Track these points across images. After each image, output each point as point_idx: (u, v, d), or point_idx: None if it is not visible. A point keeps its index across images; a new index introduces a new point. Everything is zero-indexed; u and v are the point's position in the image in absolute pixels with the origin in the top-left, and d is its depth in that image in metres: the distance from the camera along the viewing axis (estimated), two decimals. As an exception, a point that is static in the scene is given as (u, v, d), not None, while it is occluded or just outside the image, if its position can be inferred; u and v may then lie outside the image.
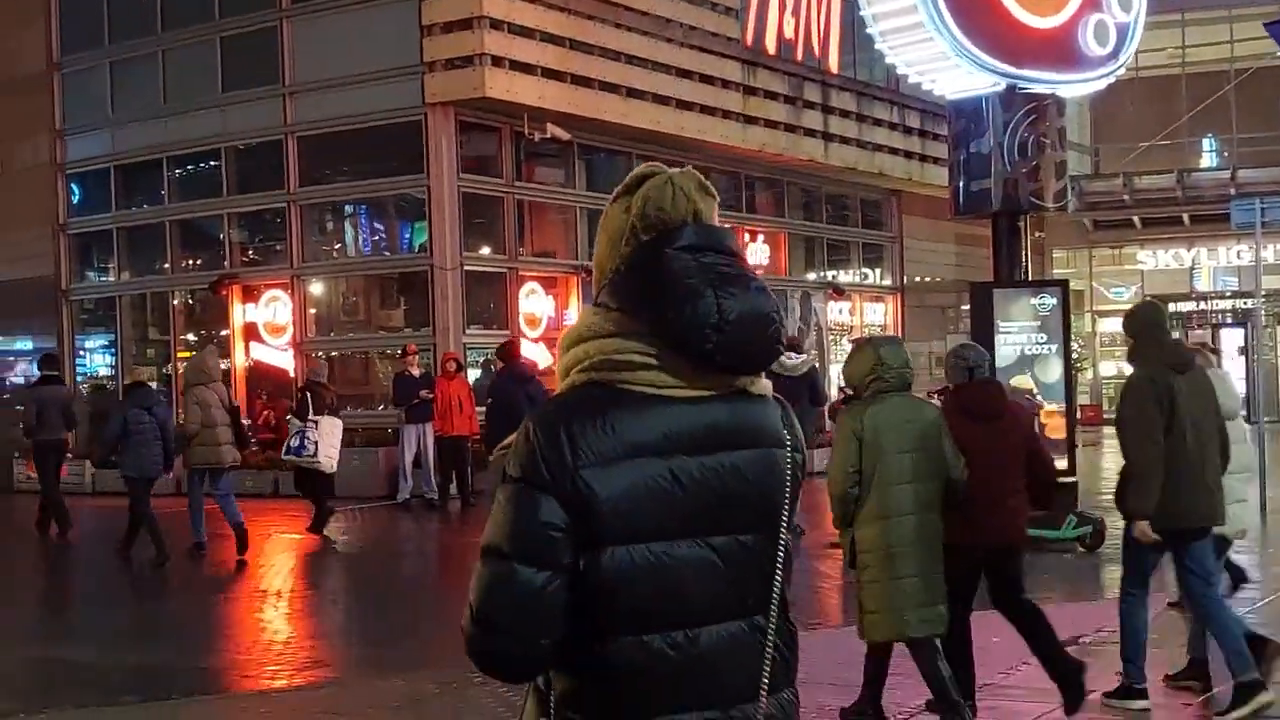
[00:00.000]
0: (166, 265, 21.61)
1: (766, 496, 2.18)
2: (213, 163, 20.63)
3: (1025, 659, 7.72)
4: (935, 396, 14.53)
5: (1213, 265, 32.92)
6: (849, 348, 24.08)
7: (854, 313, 26.61)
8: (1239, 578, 9.24)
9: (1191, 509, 6.44)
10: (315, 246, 20.41)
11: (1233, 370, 21.41)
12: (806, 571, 10.86)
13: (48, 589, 13.21)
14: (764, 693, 2.15)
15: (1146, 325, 6.65)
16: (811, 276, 25.59)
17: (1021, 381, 12.28)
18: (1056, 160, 13.13)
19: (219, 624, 10.46)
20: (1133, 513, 6.47)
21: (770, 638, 2.17)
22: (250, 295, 20.24)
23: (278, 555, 14.11)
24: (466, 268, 18.62)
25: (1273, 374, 29.47)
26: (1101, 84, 13.50)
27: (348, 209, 20.52)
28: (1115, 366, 32.16)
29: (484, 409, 16.11)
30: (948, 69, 12.80)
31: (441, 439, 16.77)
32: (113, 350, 22.36)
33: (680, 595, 2.10)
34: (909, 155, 25.27)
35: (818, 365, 16.03)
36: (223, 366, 20.18)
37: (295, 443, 14.49)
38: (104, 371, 22.70)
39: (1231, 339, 29.92)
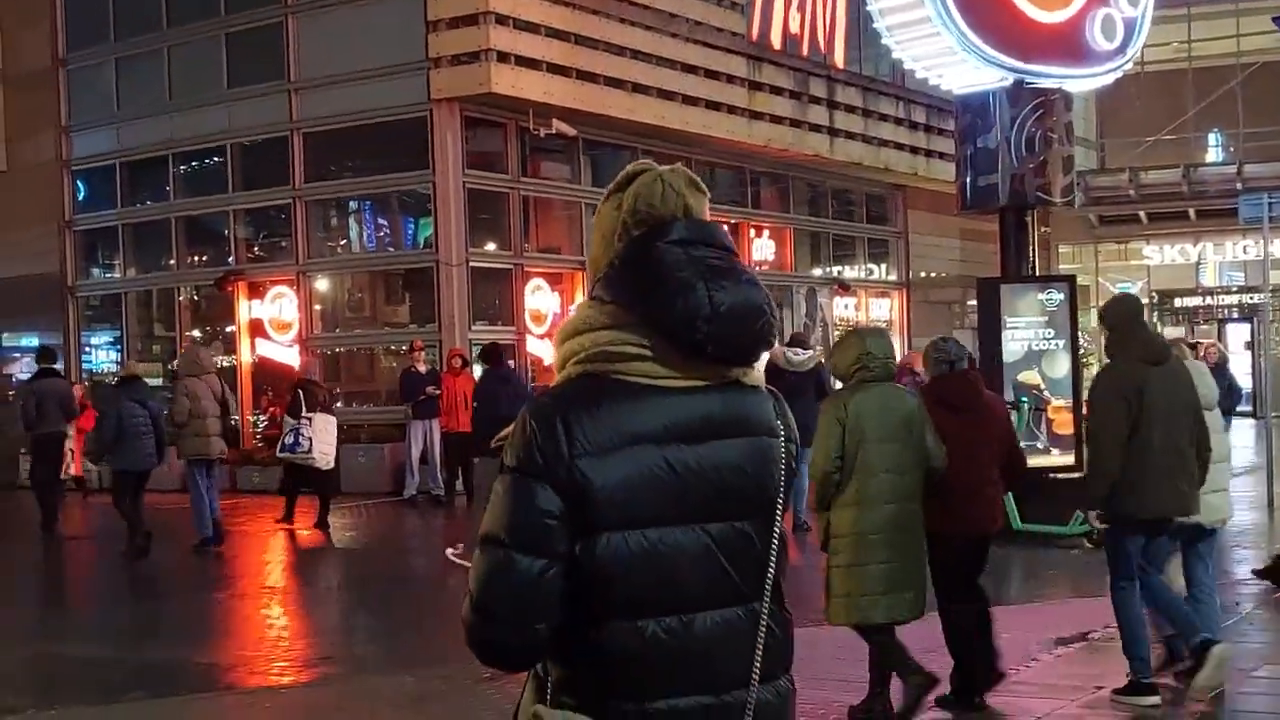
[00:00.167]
0: (172, 261, 21.62)
1: (761, 484, 2.21)
2: (218, 159, 20.63)
3: (1035, 655, 7.74)
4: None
5: (1218, 260, 32.87)
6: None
7: (859, 308, 26.57)
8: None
9: (1160, 500, 6.49)
10: (321, 243, 20.41)
11: (1238, 365, 21.44)
12: (811, 568, 10.84)
13: (54, 585, 13.22)
14: (755, 678, 2.17)
15: (1123, 317, 6.73)
16: (817, 272, 25.56)
17: (1029, 377, 12.27)
18: (1064, 155, 13.10)
19: (225, 620, 10.46)
20: (1089, 502, 6.63)
21: (764, 624, 2.19)
22: (256, 291, 20.24)
23: (283, 551, 14.12)
24: (472, 264, 18.61)
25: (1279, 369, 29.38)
26: (1109, 79, 13.48)
27: (353, 205, 20.51)
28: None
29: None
30: (955, 64, 12.78)
31: (448, 435, 16.77)
32: (118, 347, 22.36)
33: (675, 581, 2.13)
34: (914, 150, 25.23)
35: (824, 361, 15.95)
36: (227, 362, 20.39)
37: (290, 440, 14.56)
38: (108, 368, 22.70)
39: (1238, 334, 29.93)
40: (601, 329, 2.17)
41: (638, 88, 19.46)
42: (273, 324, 19.99)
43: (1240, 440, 20.45)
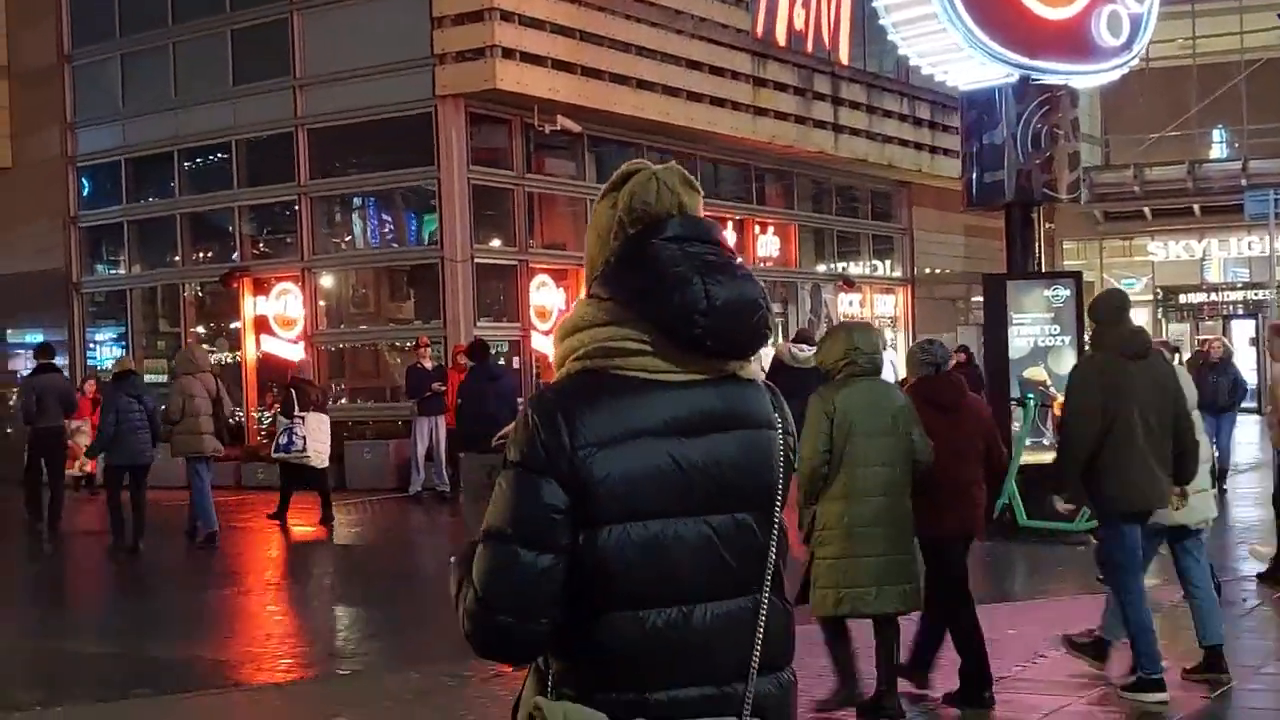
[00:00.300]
0: (177, 258, 21.62)
1: (760, 476, 2.23)
2: (224, 155, 20.64)
3: (1042, 652, 7.74)
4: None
5: (1223, 257, 32.85)
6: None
7: (864, 304, 26.55)
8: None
9: (1136, 494, 6.56)
10: (326, 239, 20.41)
11: (1243, 361, 21.38)
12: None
13: (59, 582, 13.23)
14: (754, 668, 2.18)
15: (1109, 311, 6.83)
16: (821, 268, 25.56)
17: (1035, 373, 12.25)
18: (1070, 151, 13.10)
19: (231, 617, 10.46)
20: (1053, 488, 6.82)
21: (764, 615, 2.21)
22: (261, 288, 20.25)
23: (287, 548, 14.14)
24: (477, 260, 18.61)
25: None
26: (1115, 75, 13.46)
27: (358, 201, 20.51)
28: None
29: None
30: (961, 60, 12.77)
31: (453, 431, 16.76)
32: (123, 343, 22.37)
33: (677, 573, 2.15)
34: (919, 147, 25.22)
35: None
36: (231, 359, 20.42)
37: (284, 440, 14.63)
38: (110, 365, 22.71)
39: (1242, 330, 29.88)
40: (600, 325, 2.19)
41: (642, 84, 19.46)
42: (278, 320, 20.00)
43: (1245, 436, 20.46)
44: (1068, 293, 12.59)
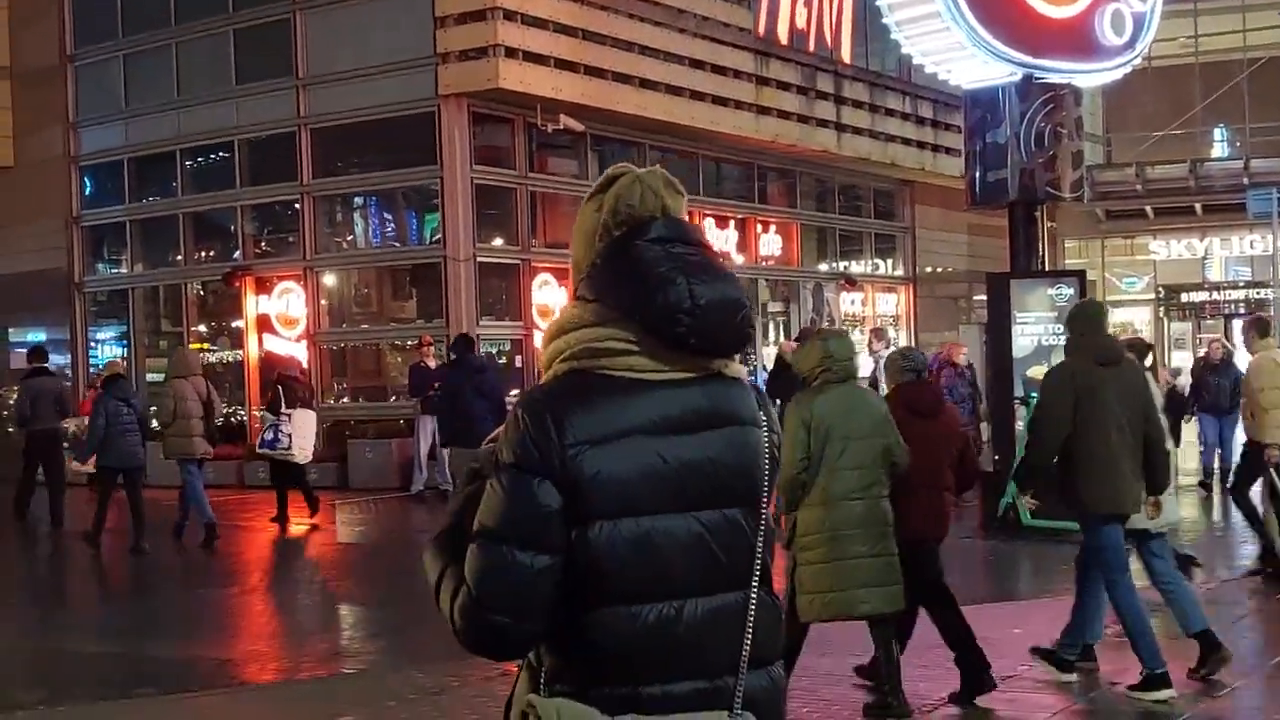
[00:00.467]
0: (179, 257, 21.62)
1: (747, 473, 2.26)
2: (226, 155, 20.64)
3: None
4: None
5: (1225, 255, 32.80)
6: (861, 338, 23.99)
7: (866, 303, 26.55)
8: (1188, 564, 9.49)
9: (1112, 497, 6.71)
10: (328, 238, 20.41)
11: (1245, 362, 21.36)
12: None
13: (62, 582, 13.24)
14: (744, 663, 2.21)
15: (1086, 320, 7.03)
16: (824, 267, 25.55)
17: (1038, 372, 12.22)
18: (1073, 150, 13.11)
19: (234, 616, 10.47)
20: (1020, 487, 7.05)
21: (753, 609, 2.23)
22: (263, 287, 20.25)
23: (290, 547, 14.14)
24: (479, 259, 18.61)
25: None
26: (1119, 74, 13.48)
27: (360, 201, 20.51)
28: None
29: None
30: (964, 59, 12.78)
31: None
32: (125, 342, 22.38)
33: (669, 569, 2.17)
34: (921, 146, 25.21)
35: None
36: (233, 358, 20.43)
37: (269, 436, 14.71)
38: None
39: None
40: (587, 326, 2.22)
41: (645, 83, 19.45)
42: (280, 319, 20.00)
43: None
44: (1071, 291, 12.58)
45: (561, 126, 18.59)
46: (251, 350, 20.35)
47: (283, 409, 14.62)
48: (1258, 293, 31.05)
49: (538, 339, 19.26)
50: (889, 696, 6.46)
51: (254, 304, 20.29)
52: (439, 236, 18.77)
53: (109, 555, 13.50)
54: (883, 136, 24.25)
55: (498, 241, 19.39)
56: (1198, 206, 31.03)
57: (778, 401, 9.55)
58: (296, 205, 19.92)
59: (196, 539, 13.39)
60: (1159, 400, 7.33)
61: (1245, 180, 29.35)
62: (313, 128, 19.48)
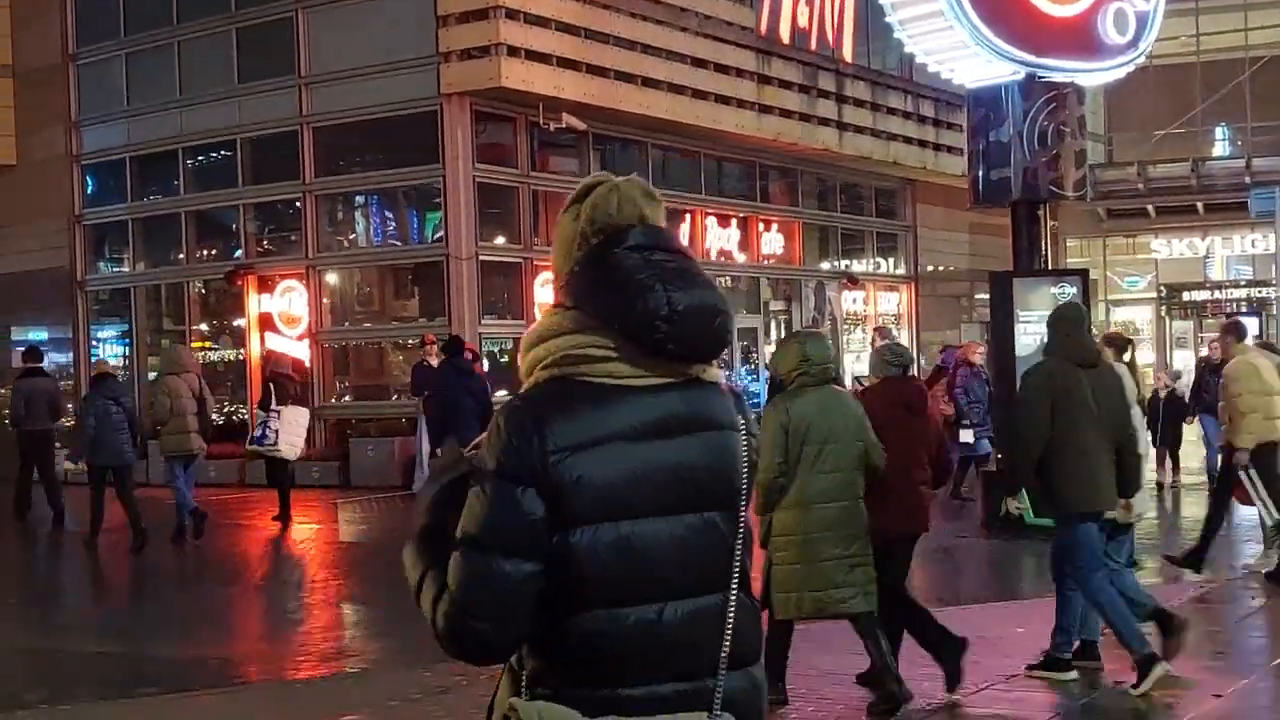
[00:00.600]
0: (182, 256, 21.63)
1: (726, 477, 2.29)
2: (228, 153, 20.64)
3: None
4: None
5: (1226, 254, 32.80)
6: (863, 337, 23.92)
7: (868, 302, 26.55)
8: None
9: (1089, 496, 6.82)
10: (330, 237, 20.42)
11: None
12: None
13: (64, 582, 13.25)
14: (723, 664, 2.23)
15: (1063, 322, 7.14)
16: (825, 266, 25.54)
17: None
18: (1076, 149, 13.10)
19: (237, 615, 10.48)
20: (1006, 490, 7.16)
21: (732, 611, 2.25)
22: (265, 286, 20.25)
23: (293, 546, 14.14)
24: (481, 258, 18.61)
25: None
26: (1122, 72, 13.45)
27: (363, 199, 20.51)
28: (1128, 356, 32.04)
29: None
30: (967, 57, 12.76)
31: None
32: (127, 341, 22.39)
33: (649, 572, 2.19)
34: (923, 144, 25.21)
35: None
36: (235, 356, 20.42)
37: (258, 433, 14.87)
38: (113, 361, 22.70)
39: (1246, 328, 29.78)
40: (566, 334, 2.24)
41: (647, 82, 19.45)
42: (282, 318, 20.01)
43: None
44: (1074, 290, 12.57)
45: (564, 125, 18.60)
46: (254, 349, 20.35)
47: (273, 405, 14.72)
48: (1259, 291, 31.05)
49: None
50: (888, 686, 6.50)
51: (256, 303, 20.30)
52: (441, 235, 18.78)
53: (109, 555, 13.51)
54: (884, 135, 24.25)
55: (500, 240, 19.39)
56: (1199, 205, 31.04)
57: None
58: (298, 204, 19.92)
59: (192, 534, 13.45)
60: (1134, 399, 7.45)
61: (1247, 179, 29.36)
62: (315, 126, 19.48)
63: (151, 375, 20.90)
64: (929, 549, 11.99)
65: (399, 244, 20.38)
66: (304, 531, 14.60)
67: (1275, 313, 28.93)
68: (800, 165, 24.05)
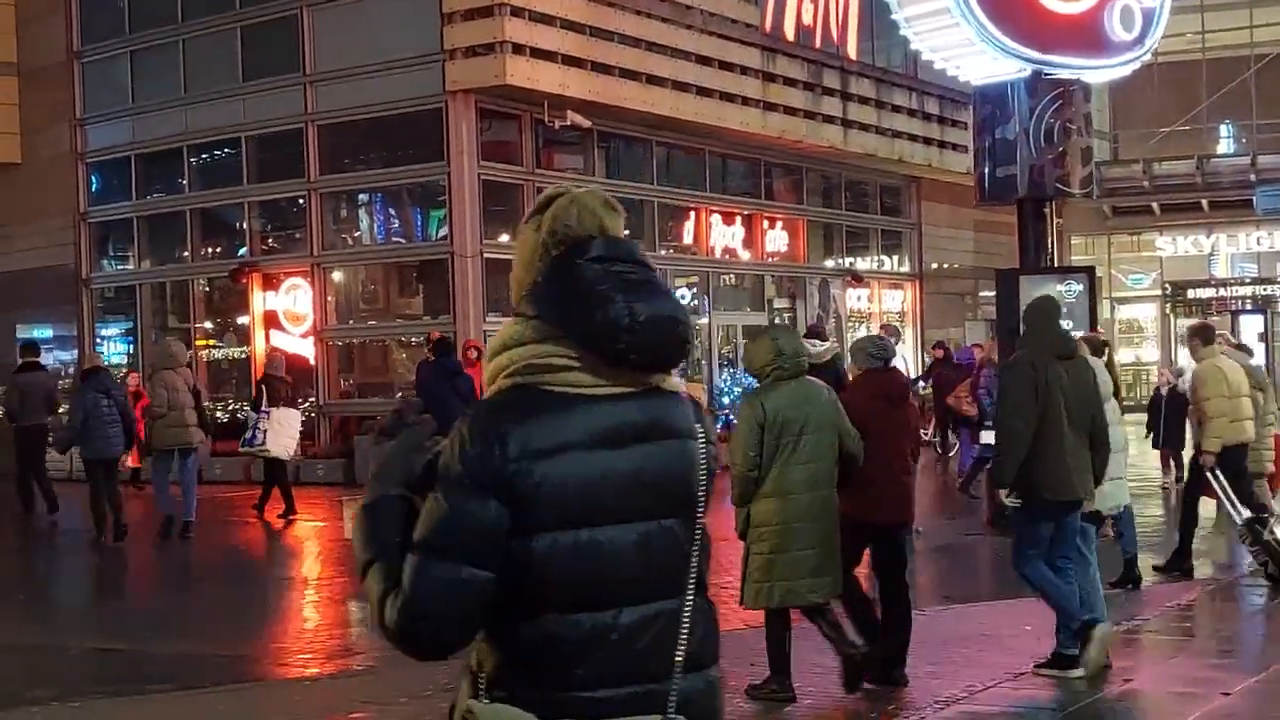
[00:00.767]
0: (186, 253, 21.65)
1: (684, 484, 2.32)
2: (233, 151, 20.64)
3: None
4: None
5: (1231, 252, 32.76)
6: (867, 334, 23.96)
7: (872, 300, 26.54)
8: (1132, 577, 9.72)
9: (1062, 484, 6.96)
10: (335, 235, 20.42)
11: (1255, 356, 21.32)
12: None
13: (71, 579, 13.26)
14: (678, 667, 2.27)
15: (1043, 315, 7.26)
16: (830, 263, 25.52)
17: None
18: (1083, 146, 13.09)
19: (246, 612, 10.47)
20: (997, 483, 7.19)
21: (687, 616, 2.29)
22: (270, 283, 20.26)
23: (302, 544, 14.15)
24: (486, 255, 18.59)
25: (1293, 360, 29.32)
26: (1128, 69, 13.45)
27: (367, 197, 20.52)
28: (1134, 354, 32.06)
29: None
30: (973, 54, 12.76)
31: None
32: (132, 338, 22.41)
33: (606, 578, 2.23)
34: (928, 142, 25.18)
35: (840, 352, 15.95)
36: (240, 354, 20.43)
37: (249, 434, 14.98)
38: (115, 359, 22.74)
39: (1251, 325, 29.79)
40: (529, 343, 2.27)
41: (652, 79, 19.44)
42: (287, 316, 20.01)
43: (1255, 432, 20.36)
44: (1081, 288, 12.57)
45: (569, 123, 18.58)
46: (259, 346, 20.35)
47: (264, 406, 14.83)
48: (1264, 289, 31.01)
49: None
50: (774, 680, 6.61)
51: (261, 300, 20.30)
52: (446, 233, 18.78)
53: (114, 552, 13.51)
54: (889, 133, 24.22)
55: (504, 238, 19.36)
56: (1204, 203, 30.99)
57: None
58: (303, 201, 19.93)
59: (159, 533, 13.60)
60: (1106, 391, 7.64)
61: (1252, 176, 29.34)
62: (319, 124, 19.48)
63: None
64: (937, 547, 12.02)
65: (404, 241, 20.38)
66: (309, 529, 14.61)
67: (1280, 310, 28.92)
68: (805, 163, 24.04)
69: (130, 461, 17.90)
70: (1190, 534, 10.40)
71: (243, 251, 20.76)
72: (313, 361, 19.63)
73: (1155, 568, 10.36)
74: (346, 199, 20.65)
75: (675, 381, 2.38)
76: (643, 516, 2.27)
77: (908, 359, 19.91)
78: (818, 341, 13.53)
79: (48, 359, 21.51)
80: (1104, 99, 29.29)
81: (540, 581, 2.20)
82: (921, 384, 19.30)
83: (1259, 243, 31.78)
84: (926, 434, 19.94)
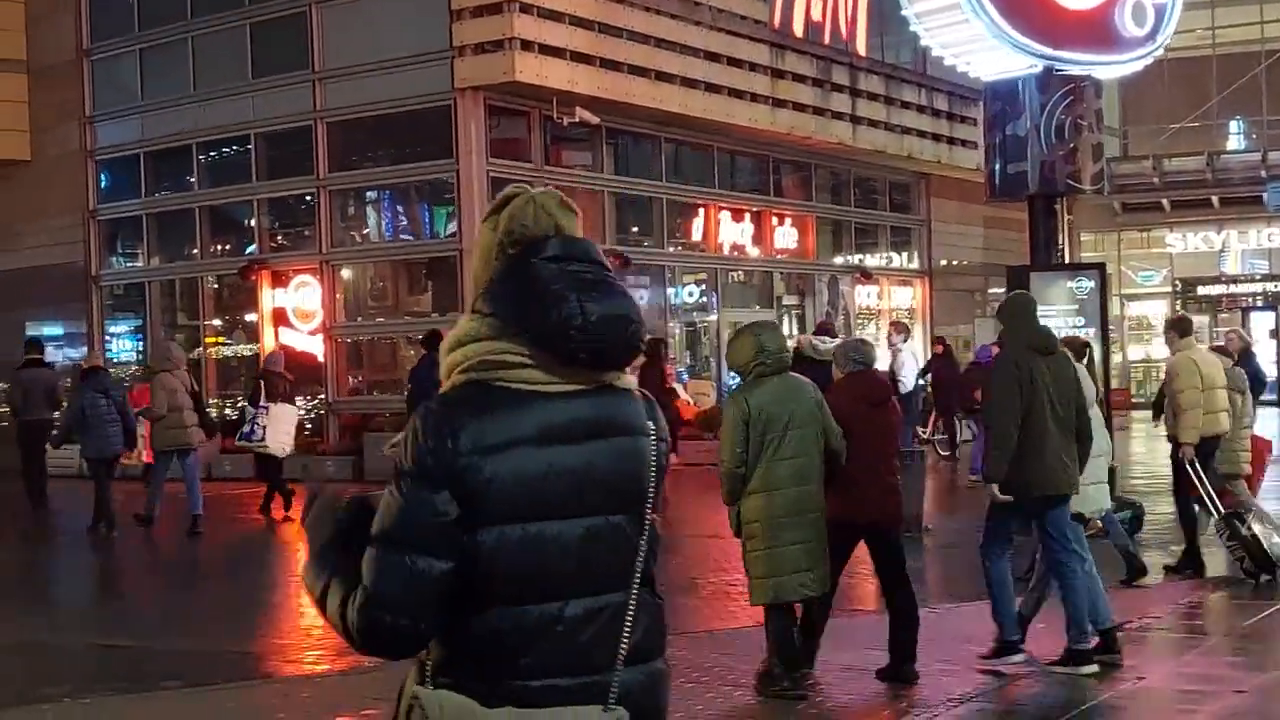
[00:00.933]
0: (196, 251, 21.67)
1: (633, 480, 2.37)
2: (242, 149, 20.65)
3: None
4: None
5: (1242, 248, 32.68)
6: (877, 332, 23.90)
7: (881, 296, 26.51)
8: (1138, 569, 9.69)
9: (1049, 478, 7.01)
10: (344, 232, 20.43)
11: (1263, 353, 21.29)
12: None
13: (81, 576, 13.27)
14: (620, 659, 2.31)
15: (1016, 311, 7.36)
16: (839, 260, 25.49)
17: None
18: (1094, 142, 13.09)
19: (255, 609, 10.45)
20: (986, 478, 7.23)
21: (632, 609, 2.34)
22: (280, 280, 20.27)
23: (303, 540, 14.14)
24: (495, 253, 18.55)
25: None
26: (1139, 65, 13.43)
27: (376, 194, 20.51)
28: (1143, 351, 31.99)
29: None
30: (984, 51, 12.74)
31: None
32: (141, 336, 22.43)
33: (553, 571, 2.28)
34: (937, 138, 25.13)
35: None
36: (249, 351, 20.46)
37: (247, 429, 15.02)
38: (125, 357, 22.78)
39: (1262, 322, 29.74)
40: (484, 340, 2.32)
41: (661, 76, 19.42)
42: (296, 313, 20.02)
43: (1265, 429, 20.30)
44: (1092, 284, 12.55)
45: (577, 119, 18.57)
46: (268, 344, 20.35)
47: (261, 402, 14.88)
48: (1275, 285, 30.95)
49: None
50: (784, 676, 6.62)
51: (270, 297, 20.31)
52: (455, 230, 18.77)
53: (126, 549, 13.53)
54: (898, 129, 24.18)
55: (513, 235, 19.34)
56: (1214, 199, 30.91)
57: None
58: (311, 198, 19.93)
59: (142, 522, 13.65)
60: (1090, 391, 7.73)
61: (1263, 173, 29.27)
62: (328, 121, 19.48)
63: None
64: (950, 544, 11.98)
65: (412, 239, 20.38)
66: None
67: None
68: (814, 159, 24.01)
69: (147, 457, 17.97)
70: (1193, 532, 10.36)
71: (252, 249, 20.77)
72: (321, 358, 19.63)
73: (1166, 568, 10.33)
74: (355, 196, 20.65)
75: (628, 379, 2.41)
76: (591, 512, 2.31)
77: (917, 355, 19.81)
78: (826, 338, 13.52)
79: (57, 356, 21.63)
80: (1113, 95, 29.23)
81: (488, 574, 2.25)
82: (920, 381, 19.22)
83: (1270, 239, 31.71)
84: (926, 432, 19.91)
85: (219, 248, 21.74)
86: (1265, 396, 17.18)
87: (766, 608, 6.69)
